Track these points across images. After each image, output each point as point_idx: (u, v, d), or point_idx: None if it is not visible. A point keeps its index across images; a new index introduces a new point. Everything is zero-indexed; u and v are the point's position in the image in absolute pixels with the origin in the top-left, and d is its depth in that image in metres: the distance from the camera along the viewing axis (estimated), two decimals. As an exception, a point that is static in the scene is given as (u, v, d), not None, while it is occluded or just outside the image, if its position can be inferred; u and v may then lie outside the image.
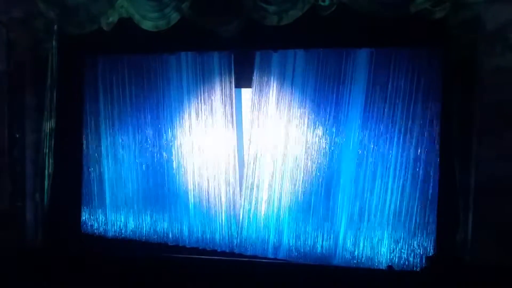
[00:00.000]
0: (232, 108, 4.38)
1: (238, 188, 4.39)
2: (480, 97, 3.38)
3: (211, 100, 4.40)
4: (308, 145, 4.15)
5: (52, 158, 4.28)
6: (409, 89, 3.89)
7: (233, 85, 4.36)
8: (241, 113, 4.49)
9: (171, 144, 4.54)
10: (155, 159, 4.59)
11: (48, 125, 4.23)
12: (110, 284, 3.81)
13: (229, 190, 4.40)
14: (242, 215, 4.34)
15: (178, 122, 4.52)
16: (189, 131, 4.49)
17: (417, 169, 3.88)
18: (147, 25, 3.86)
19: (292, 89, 4.18)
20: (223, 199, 4.41)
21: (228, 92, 4.36)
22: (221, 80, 4.37)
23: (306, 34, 3.79)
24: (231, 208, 4.40)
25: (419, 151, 3.88)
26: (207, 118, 4.43)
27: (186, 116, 4.49)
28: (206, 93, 4.42)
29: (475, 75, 3.38)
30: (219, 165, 4.40)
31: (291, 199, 4.20)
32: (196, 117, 4.46)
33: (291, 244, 4.20)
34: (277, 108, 4.23)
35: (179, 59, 4.49)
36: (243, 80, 4.39)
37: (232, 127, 4.39)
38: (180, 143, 4.51)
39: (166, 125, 4.55)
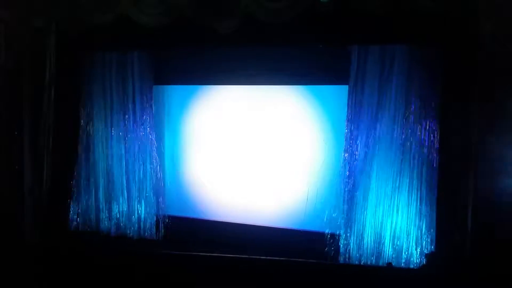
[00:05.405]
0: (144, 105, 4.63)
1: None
2: (481, 96, 3.36)
3: (129, 97, 4.64)
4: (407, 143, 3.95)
5: (51, 155, 4.28)
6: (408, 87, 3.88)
7: (152, 83, 4.63)
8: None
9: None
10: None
11: (47, 122, 4.23)
12: (109, 283, 3.84)
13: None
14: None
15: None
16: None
17: (417, 168, 3.86)
18: (145, 21, 3.84)
19: (388, 86, 3.99)
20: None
21: (146, 90, 4.62)
22: (140, 78, 4.60)
23: (305, 31, 3.77)
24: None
25: (418, 150, 3.86)
26: (126, 115, 4.67)
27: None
28: (125, 90, 4.64)
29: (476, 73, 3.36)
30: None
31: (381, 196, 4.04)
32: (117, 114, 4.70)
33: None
34: (376, 105, 4.02)
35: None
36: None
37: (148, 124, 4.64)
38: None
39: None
